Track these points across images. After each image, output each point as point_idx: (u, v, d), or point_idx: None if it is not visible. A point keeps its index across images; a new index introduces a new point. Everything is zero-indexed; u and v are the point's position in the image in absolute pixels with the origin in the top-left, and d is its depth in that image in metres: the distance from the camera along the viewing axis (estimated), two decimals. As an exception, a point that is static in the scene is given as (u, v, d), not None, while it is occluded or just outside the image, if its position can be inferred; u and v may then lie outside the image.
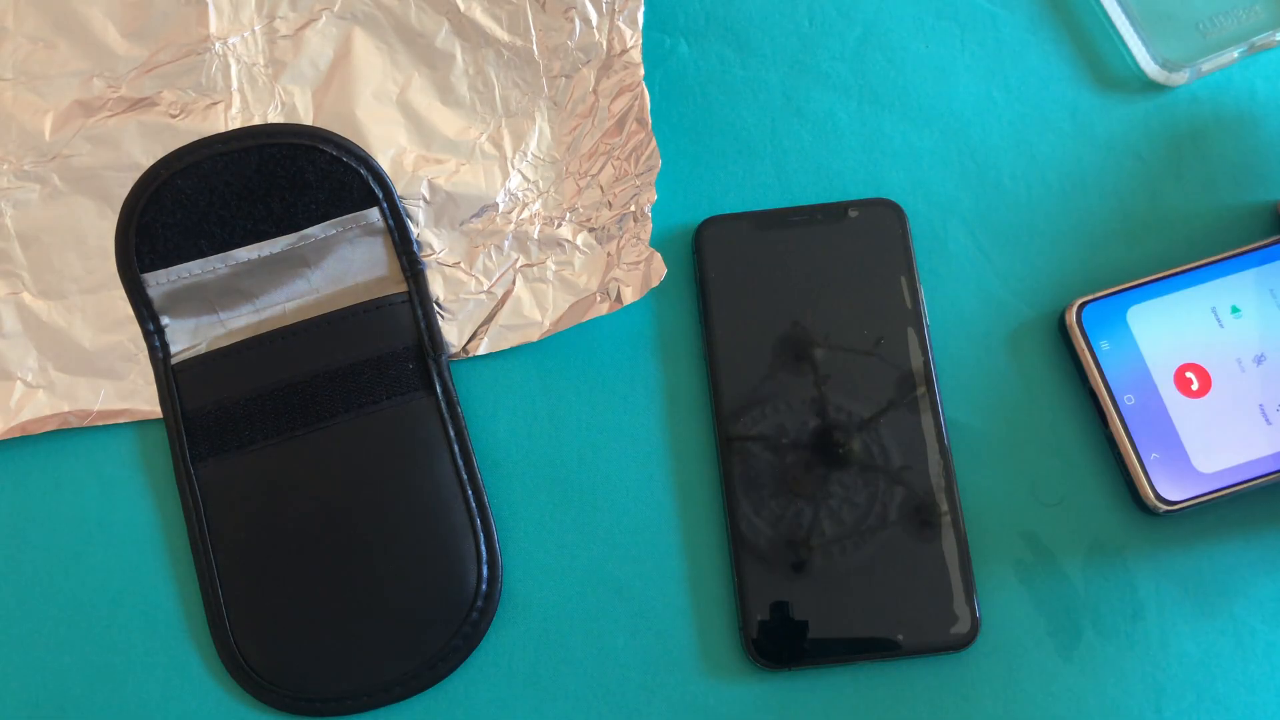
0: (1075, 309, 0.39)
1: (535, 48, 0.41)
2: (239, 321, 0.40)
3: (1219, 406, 0.38)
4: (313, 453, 0.38)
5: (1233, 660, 0.37)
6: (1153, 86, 0.42)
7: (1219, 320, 0.38)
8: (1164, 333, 0.38)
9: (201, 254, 0.39)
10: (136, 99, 0.40)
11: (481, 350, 0.39)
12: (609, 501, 0.39)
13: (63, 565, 0.38)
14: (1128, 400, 0.38)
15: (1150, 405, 0.38)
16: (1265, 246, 0.39)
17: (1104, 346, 0.38)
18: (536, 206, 0.40)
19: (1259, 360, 0.38)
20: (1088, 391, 0.39)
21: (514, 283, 0.40)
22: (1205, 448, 0.37)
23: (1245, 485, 0.37)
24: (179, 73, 0.41)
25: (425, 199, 0.40)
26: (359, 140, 0.40)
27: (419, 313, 0.39)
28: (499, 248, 0.40)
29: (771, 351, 0.39)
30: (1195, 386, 0.38)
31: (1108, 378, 0.38)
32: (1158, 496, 0.37)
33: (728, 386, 0.38)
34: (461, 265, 0.40)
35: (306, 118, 0.40)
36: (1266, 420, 0.37)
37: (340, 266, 0.40)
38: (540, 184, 0.40)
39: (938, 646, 0.36)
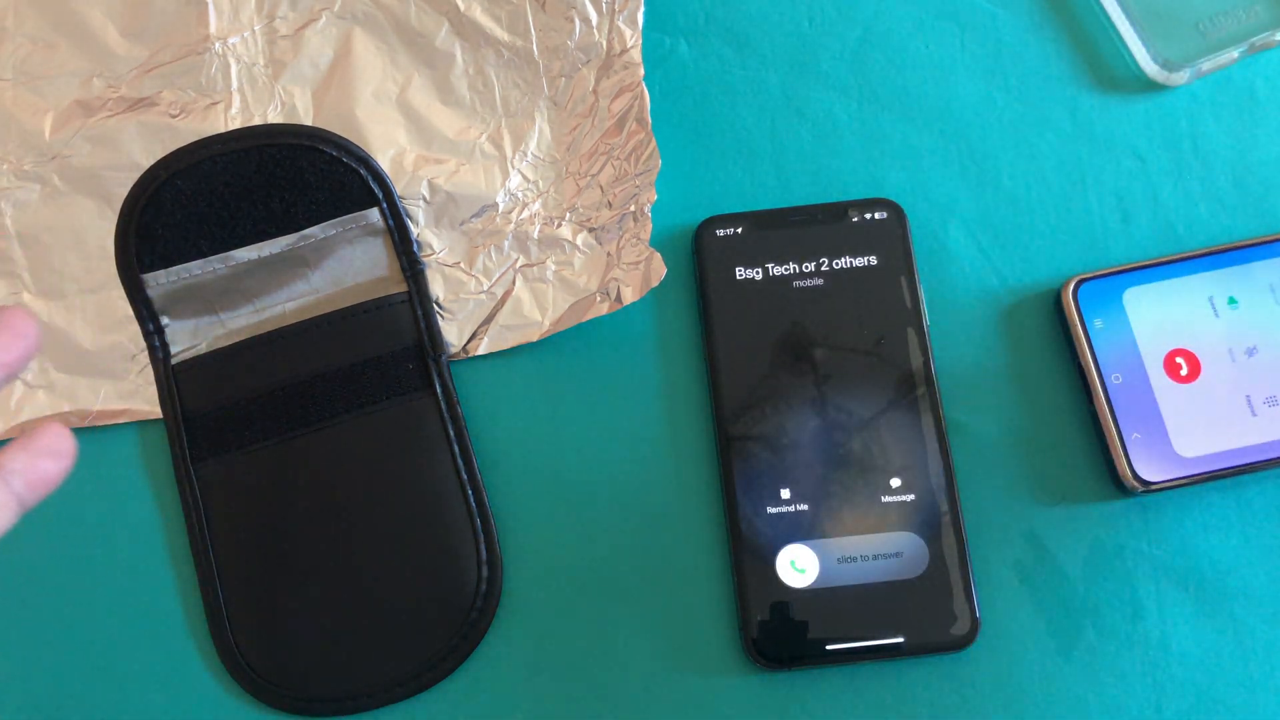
0: (1072, 285, 0.39)
1: (535, 48, 0.41)
2: (239, 321, 0.40)
3: (1206, 394, 0.38)
4: (313, 453, 0.38)
5: (1233, 660, 0.37)
6: (1153, 86, 0.42)
7: (1215, 310, 0.39)
8: (1159, 316, 0.39)
9: (201, 254, 0.39)
10: (136, 99, 0.40)
11: (481, 350, 0.39)
12: (609, 501, 0.39)
13: (63, 565, 0.38)
14: (1115, 379, 0.38)
15: (1137, 386, 0.38)
16: (1270, 242, 0.39)
17: (1097, 325, 0.38)
18: (536, 206, 0.40)
19: (1251, 353, 0.38)
20: (1077, 368, 0.39)
21: (514, 283, 0.40)
22: (1188, 432, 0.37)
23: (1224, 473, 0.37)
24: (179, 73, 0.41)
25: (425, 199, 0.40)
26: (359, 140, 0.40)
27: (419, 313, 0.39)
28: (499, 248, 0.40)
29: (771, 351, 0.39)
30: (1184, 372, 0.38)
31: (1097, 355, 0.38)
32: (1135, 476, 0.37)
33: (728, 386, 0.38)
34: (461, 265, 0.40)
35: (306, 118, 0.40)
36: (1252, 412, 0.37)
37: (340, 266, 0.40)
38: (540, 184, 0.40)
39: (938, 646, 0.36)
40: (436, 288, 0.40)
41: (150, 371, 0.39)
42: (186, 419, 0.39)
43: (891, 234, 0.40)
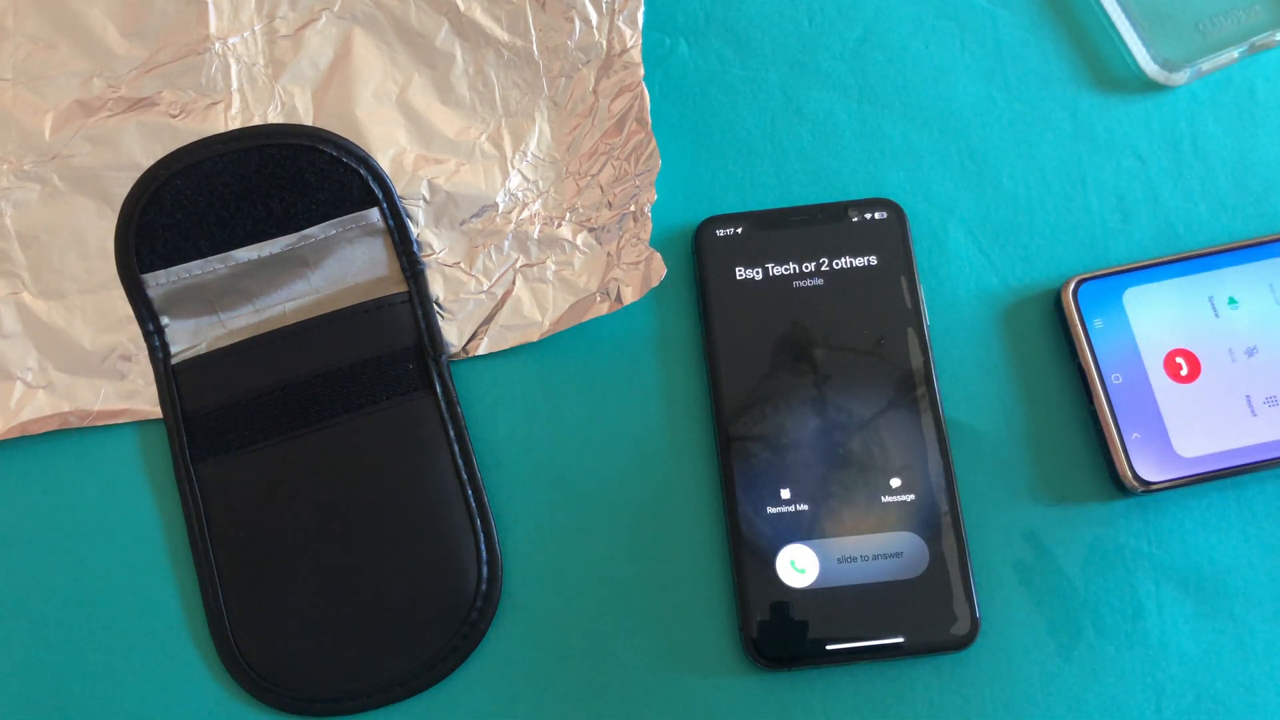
0: (1072, 285, 0.39)
1: (535, 48, 0.41)
2: (239, 321, 0.40)
3: (1206, 394, 0.38)
4: (313, 453, 0.38)
5: (1233, 660, 0.37)
6: (1153, 86, 0.42)
7: (1215, 310, 0.39)
8: (1158, 317, 0.39)
9: (201, 254, 0.39)
10: (136, 99, 0.40)
11: (481, 350, 0.39)
12: (609, 501, 0.39)
13: (63, 565, 0.38)
14: (1115, 379, 0.38)
15: (1137, 386, 0.38)
16: (1269, 242, 0.39)
17: (1097, 325, 0.38)
18: (536, 206, 0.40)
19: (1251, 353, 0.38)
20: (1077, 369, 0.39)
21: (514, 283, 0.40)
22: (1188, 432, 0.37)
23: (1225, 473, 0.37)
24: (179, 73, 0.41)
25: (425, 199, 0.40)
26: (359, 140, 0.40)
27: (419, 313, 0.39)
28: (499, 248, 0.40)
29: (771, 351, 0.39)
30: (1184, 372, 0.38)
31: (1097, 355, 0.38)
32: (1135, 476, 0.37)
33: (728, 386, 0.38)
34: (461, 265, 0.40)
35: (306, 118, 0.40)
36: (1252, 412, 0.37)
37: (340, 266, 0.40)
38: (540, 184, 0.40)
39: (938, 646, 0.36)
40: (436, 288, 0.40)
41: (150, 371, 0.39)
42: (186, 419, 0.39)
43: (891, 234, 0.40)
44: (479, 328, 0.40)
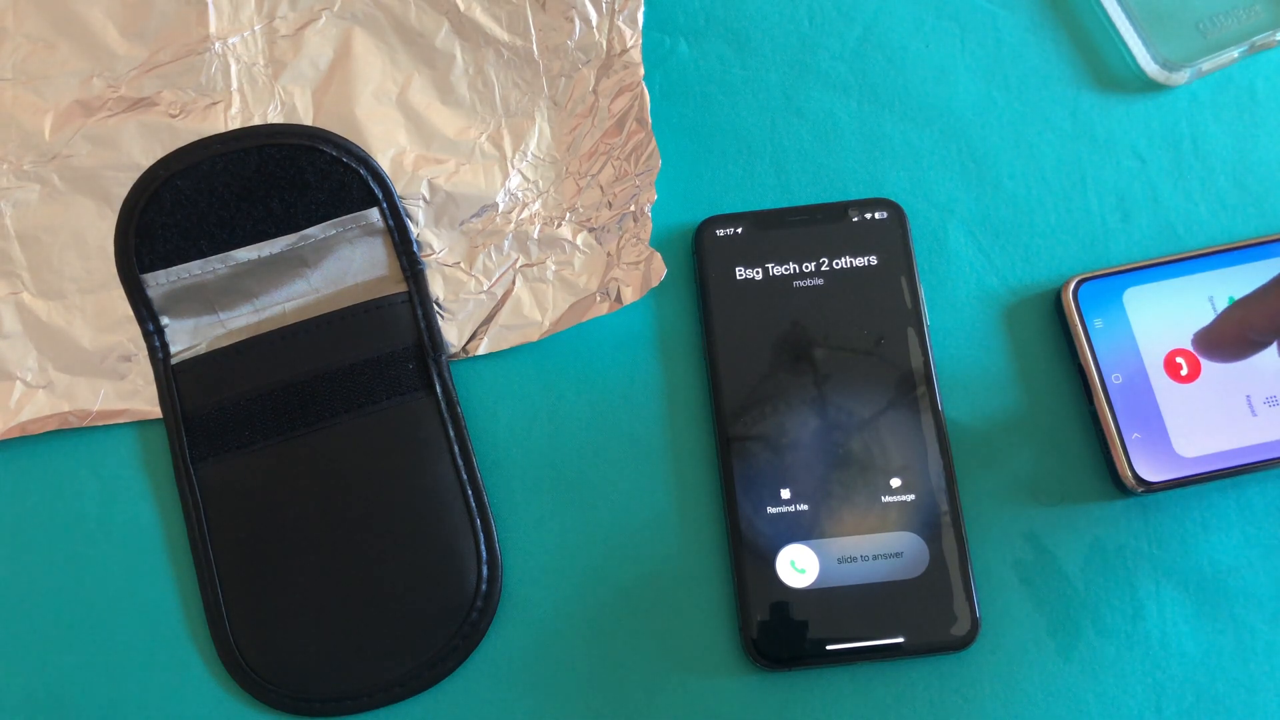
0: (1073, 285, 0.39)
1: (535, 48, 0.41)
2: (239, 321, 0.40)
3: (1206, 394, 0.38)
4: (313, 453, 0.38)
5: (1233, 660, 0.37)
6: (1153, 86, 0.42)
7: (1215, 310, 0.39)
8: (1159, 317, 0.39)
9: (201, 254, 0.39)
10: (136, 99, 0.40)
11: (481, 350, 0.39)
12: (609, 501, 0.39)
13: (63, 565, 0.38)
14: (1115, 379, 0.38)
15: (1137, 386, 0.38)
16: (1268, 242, 0.39)
17: (1097, 324, 0.38)
18: (536, 206, 0.40)
19: None
20: (1077, 369, 0.39)
21: (514, 283, 0.40)
22: (1188, 432, 0.37)
23: (1224, 473, 0.37)
24: (179, 73, 0.41)
25: (425, 199, 0.40)
26: (359, 140, 0.40)
27: (419, 313, 0.39)
28: (499, 248, 0.40)
29: (771, 351, 0.39)
30: (1184, 372, 0.38)
31: (1097, 355, 0.38)
32: (1135, 476, 0.37)
33: (728, 386, 0.38)
34: (461, 265, 0.40)
35: (306, 118, 0.40)
36: (1252, 411, 0.37)
37: (340, 266, 0.40)
38: (540, 184, 0.40)
39: (938, 646, 0.36)
40: (436, 288, 0.40)
41: (150, 371, 0.39)
42: (186, 419, 0.39)
43: (891, 234, 0.40)
44: (479, 328, 0.40)
